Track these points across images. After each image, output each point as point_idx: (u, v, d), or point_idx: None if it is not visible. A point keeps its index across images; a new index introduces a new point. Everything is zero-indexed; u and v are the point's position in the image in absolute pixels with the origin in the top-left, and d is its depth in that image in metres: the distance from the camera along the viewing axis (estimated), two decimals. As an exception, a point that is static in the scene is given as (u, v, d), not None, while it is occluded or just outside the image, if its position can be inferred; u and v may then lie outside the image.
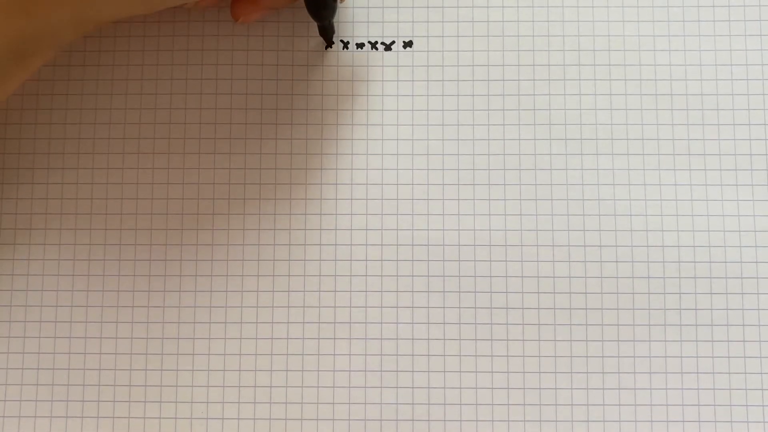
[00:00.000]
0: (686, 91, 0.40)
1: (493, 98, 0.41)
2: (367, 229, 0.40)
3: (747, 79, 0.40)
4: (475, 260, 0.39)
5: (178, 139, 0.40)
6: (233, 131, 0.41)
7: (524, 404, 0.39)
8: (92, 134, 0.41)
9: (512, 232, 0.40)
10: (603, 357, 0.39)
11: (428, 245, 0.40)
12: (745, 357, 0.39)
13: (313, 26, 0.41)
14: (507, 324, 0.39)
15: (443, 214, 0.40)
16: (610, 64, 0.41)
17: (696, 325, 0.39)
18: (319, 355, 0.39)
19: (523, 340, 0.39)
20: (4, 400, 0.39)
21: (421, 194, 0.40)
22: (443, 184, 0.40)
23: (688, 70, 0.41)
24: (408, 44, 0.41)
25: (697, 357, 0.39)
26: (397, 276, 0.39)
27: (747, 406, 0.38)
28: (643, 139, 0.40)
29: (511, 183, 0.40)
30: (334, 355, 0.39)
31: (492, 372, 0.39)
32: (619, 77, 0.41)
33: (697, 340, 0.39)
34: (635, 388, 0.39)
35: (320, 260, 0.40)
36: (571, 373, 0.39)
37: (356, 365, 0.39)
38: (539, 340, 0.39)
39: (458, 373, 0.39)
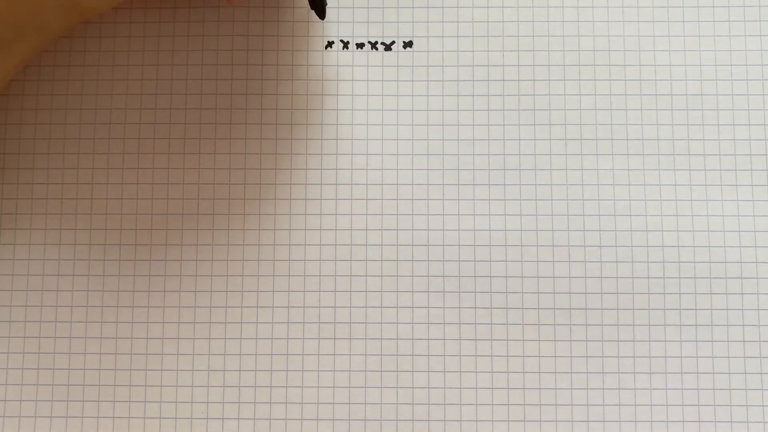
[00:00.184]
0: (686, 91, 0.40)
1: (493, 98, 0.41)
2: (367, 229, 0.40)
3: (747, 80, 0.40)
4: (475, 260, 0.39)
5: (178, 139, 0.40)
6: (233, 131, 0.41)
7: (524, 404, 0.39)
8: (92, 134, 0.41)
9: (512, 232, 0.40)
10: (603, 357, 0.39)
11: (428, 245, 0.40)
12: (744, 357, 0.39)
13: (314, 26, 0.41)
14: (507, 324, 0.39)
15: (443, 214, 0.40)
16: (610, 65, 0.41)
17: (696, 325, 0.39)
18: (319, 355, 0.39)
19: (523, 340, 0.39)
20: (4, 400, 0.39)
21: (421, 194, 0.40)
22: (443, 184, 0.40)
23: (687, 71, 0.41)
24: (408, 44, 0.41)
25: (696, 357, 0.39)
26: (397, 276, 0.39)
27: (747, 406, 0.38)
28: (642, 140, 0.40)
29: (511, 183, 0.40)
30: (334, 355, 0.39)
31: (492, 372, 0.39)
32: (619, 77, 0.41)
33: (696, 340, 0.39)
34: (635, 388, 0.39)
35: (320, 260, 0.40)
36: (571, 373, 0.39)
37: (356, 365, 0.39)
38: (539, 340, 0.39)
39: (458, 373, 0.39)
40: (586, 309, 0.39)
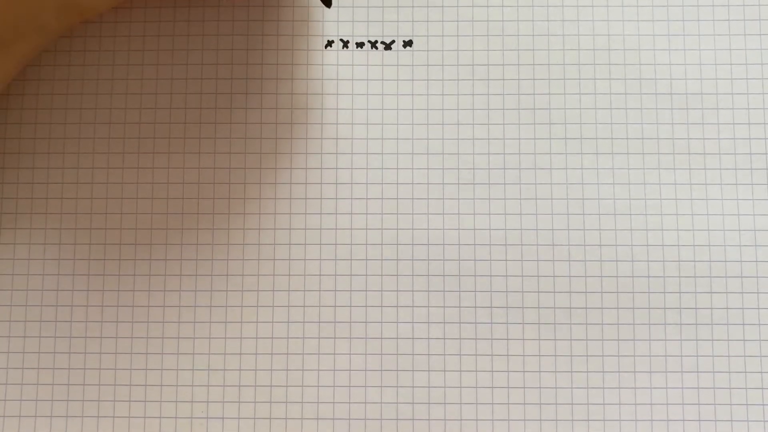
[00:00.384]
0: (686, 90, 0.40)
1: (493, 97, 0.41)
2: (367, 229, 0.40)
3: (746, 79, 0.41)
4: (475, 259, 0.39)
5: (178, 139, 0.40)
6: (233, 131, 0.41)
7: (524, 403, 0.39)
8: (92, 134, 0.41)
9: (512, 231, 0.40)
10: (603, 356, 0.39)
11: (428, 244, 0.40)
12: (745, 356, 0.39)
13: (314, 25, 0.41)
14: (507, 323, 0.39)
15: (443, 214, 0.40)
16: (609, 64, 0.41)
17: (696, 324, 0.39)
18: (319, 354, 0.39)
19: (523, 339, 0.39)
20: (4, 400, 0.39)
21: (421, 194, 0.40)
22: (443, 184, 0.40)
23: (687, 70, 0.41)
24: (408, 44, 0.41)
25: (697, 356, 0.39)
26: (397, 275, 0.39)
27: (747, 405, 0.38)
28: (642, 138, 0.40)
29: (511, 182, 0.40)
30: (334, 354, 0.39)
31: (492, 371, 0.39)
32: (619, 76, 0.41)
33: (697, 339, 0.39)
34: (635, 387, 0.39)
35: (320, 260, 0.40)
36: (571, 372, 0.39)
37: (356, 364, 0.39)
38: (539, 339, 0.39)
39: (458, 372, 0.39)
40: (586, 308, 0.39)
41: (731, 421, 0.38)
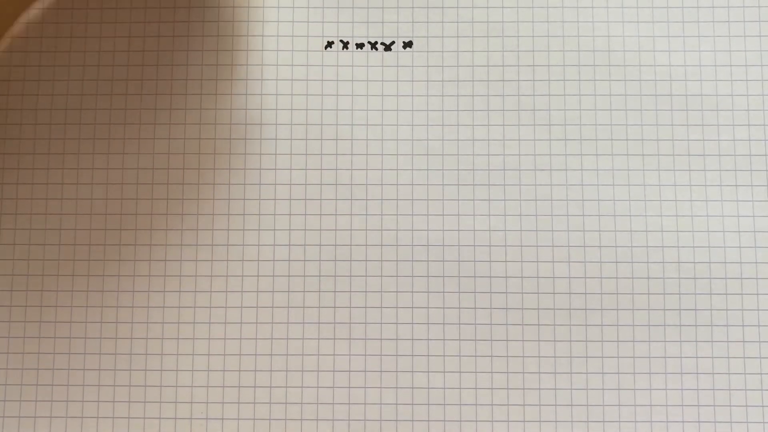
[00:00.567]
0: (686, 91, 0.40)
1: (492, 99, 0.41)
2: (366, 230, 0.40)
3: (746, 80, 0.40)
4: (474, 261, 0.39)
5: (178, 140, 0.40)
6: (233, 132, 0.41)
7: (524, 405, 0.39)
8: (92, 134, 0.41)
9: (512, 233, 0.40)
10: (602, 357, 0.39)
11: (428, 245, 0.40)
12: (744, 358, 0.39)
13: (313, 26, 0.41)
14: (506, 324, 0.39)
15: (443, 215, 0.40)
16: (609, 65, 0.41)
17: (695, 325, 0.39)
18: (318, 355, 0.39)
19: (523, 340, 0.39)
20: (4, 400, 0.39)
21: (421, 194, 0.40)
22: (443, 185, 0.40)
23: (687, 71, 0.41)
24: (408, 44, 0.41)
25: (696, 357, 0.39)
26: (396, 276, 0.39)
27: (746, 406, 0.38)
28: (642, 140, 0.40)
29: (510, 183, 0.40)
30: (333, 355, 0.39)
31: (491, 372, 0.39)
32: (619, 78, 0.41)
33: (696, 341, 0.39)
34: (635, 389, 0.39)
35: (320, 261, 0.40)
36: (571, 373, 0.39)
37: (356, 366, 0.39)
38: (539, 341, 0.39)
39: (458, 374, 0.39)
40: (585, 309, 0.39)
41: (731, 422, 0.38)
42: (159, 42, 0.41)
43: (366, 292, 0.39)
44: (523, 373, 0.39)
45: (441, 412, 0.39)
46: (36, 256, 0.40)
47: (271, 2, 0.41)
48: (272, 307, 0.39)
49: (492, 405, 0.39)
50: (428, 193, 0.40)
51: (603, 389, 0.39)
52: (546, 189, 0.40)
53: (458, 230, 0.40)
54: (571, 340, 0.39)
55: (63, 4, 0.42)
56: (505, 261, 0.39)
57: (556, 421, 0.38)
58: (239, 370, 0.39)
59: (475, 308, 0.39)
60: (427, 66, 0.41)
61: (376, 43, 0.41)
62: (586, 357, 0.39)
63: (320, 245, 0.40)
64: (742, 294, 0.39)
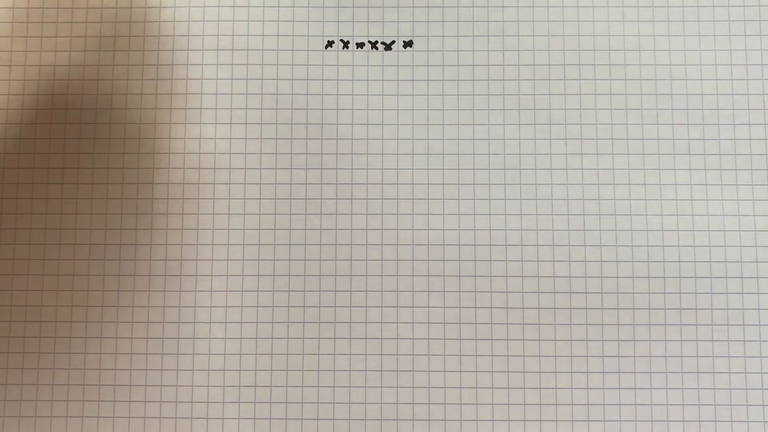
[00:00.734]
0: (686, 90, 0.40)
1: (493, 98, 0.41)
2: (367, 229, 0.40)
3: (747, 79, 0.41)
4: (475, 260, 0.39)
5: (178, 140, 0.40)
6: (234, 131, 0.41)
7: (524, 404, 0.39)
8: (93, 134, 0.41)
9: (512, 232, 0.40)
10: (603, 356, 0.39)
11: (428, 245, 0.40)
12: (745, 357, 0.39)
13: (314, 25, 0.41)
14: (507, 323, 0.39)
15: (443, 214, 0.40)
16: (610, 64, 0.41)
17: (696, 324, 0.39)
18: (319, 354, 0.39)
19: (524, 339, 0.39)
20: (4, 400, 0.39)
21: (421, 194, 0.40)
22: (443, 184, 0.40)
23: (688, 70, 0.41)
24: (408, 44, 0.41)
25: (697, 356, 0.39)
26: (397, 276, 0.39)
27: (747, 405, 0.38)
28: (643, 139, 0.40)
29: (511, 183, 0.40)
30: (334, 354, 0.39)
31: (492, 371, 0.39)
32: (619, 77, 0.41)
33: (697, 340, 0.39)
34: (635, 388, 0.39)
35: (320, 260, 0.40)
36: (572, 372, 0.39)
37: (356, 365, 0.39)
38: (539, 340, 0.39)
39: (458, 373, 0.39)
40: (586, 308, 0.39)
41: (731, 421, 0.38)
42: (159, 42, 0.41)
43: (366, 291, 0.39)
44: (524, 372, 0.39)
45: (441, 412, 0.39)
46: (36, 256, 0.40)
47: (272, 2, 0.41)
48: (272, 306, 0.39)
49: (493, 404, 0.39)
50: (429, 192, 0.40)
51: (604, 388, 0.39)
52: (546, 188, 0.40)
53: (459, 229, 0.40)
54: (571, 339, 0.39)
55: (63, 4, 0.42)
56: (506, 260, 0.39)
57: (556, 420, 0.38)
58: (240, 370, 0.39)
59: (475, 307, 0.39)
60: (428, 65, 0.41)
61: (376, 42, 0.41)
62: (587, 356, 0.39)
63: (320, 244, 0.40)
64: (742, 293, 0.39)
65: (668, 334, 0.39)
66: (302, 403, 0.39)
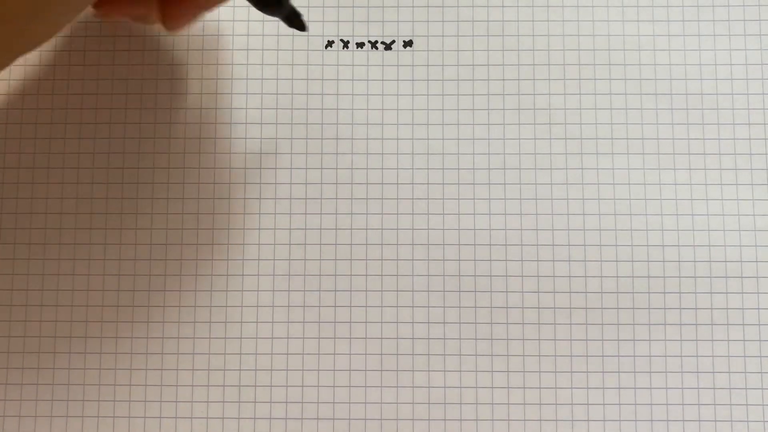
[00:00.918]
0: (686, 90, 0.40)
1: (493, 98, 0.41)
2: (367, 229, 0.40)
3: (747, 79, 0.41)
4: (475, 259, 0.39)
5: (178, 139, 0.40)
6: (234, 131, 0.41)
7: (524, 403, 0.39)
8: (93, 134, 0.41)
9: (512, 232, 0.40)
10: (603, 356, 0.39)
11: (428, 245, 0.40)
12: (745, 356, 0.39)
13: (314, 25, 0.41)
14: (507, 323, 0.39)
15: (443, 214, 0.40)
16: (610, 64, 0.41)
17: (696, 324, 0.39)
18: (319, 354, 0.39)
19: (523, 339, 0.39)
20: (4, 400, 0.39)
21: (421, 194, 0.40)
22: (443, 184, 0.40)
23: (687, 70, 0.41)
24: (408, 44, 0.41)
25: (697, 356, 0.39)
26: (397, 275, 0.39)
27: (747, 405, 0.38)
28: (643, 139, 0.40)
29: (511, 182, 0.40)
30: (334, 354, 0.39)
31: (492, 371, 0.39)
32: (619, 77, 0.41)
33: (697, 340, 0.39)
34: (635, 388, 0.39)
35: (320, 260, 0.40)
36: (571, 372, 0.39)
37: (356, 365, 0.39)
38: (539, 340, 0.39)
39: (458, 373, 0.39)
40: (586, 308, 0.39)
41: (731, 421, 0.38)
42: (160, 41, 0.41)
43: (366, 291, 0.39)
44: (524, 371, 0.39)
45: (441, 411, 0.39)
46: (36, 256, 0.40)
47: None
48: (273, 306, 0.39)
49: (492, 404, 0.39)
50: (428, 192, 0.40)
51: (603, 388, 0.39)
52: (546, 188, 0.40)
53: (458, 229, 0.40)
54: (571, 339, 0.39)
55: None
56: (506, 260, 0.39)
57: (556, 420, 0.38)
58: (240, 370, 0.39)
59: (475, 307, 0.39)
60: (428, 65, 0.41)
61: (376, 42, 0.41)
62: (587, 356, 0.39)
63: (320, 244, 0.40)
64: (742, 293, 0.39)
65: (668, 333, 0.39)
66: (302, 402, 0.39)
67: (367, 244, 0.40)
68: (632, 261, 0.39)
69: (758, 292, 0.39)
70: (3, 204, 0.40)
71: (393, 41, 0.41)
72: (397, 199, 0.40)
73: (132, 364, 0.39)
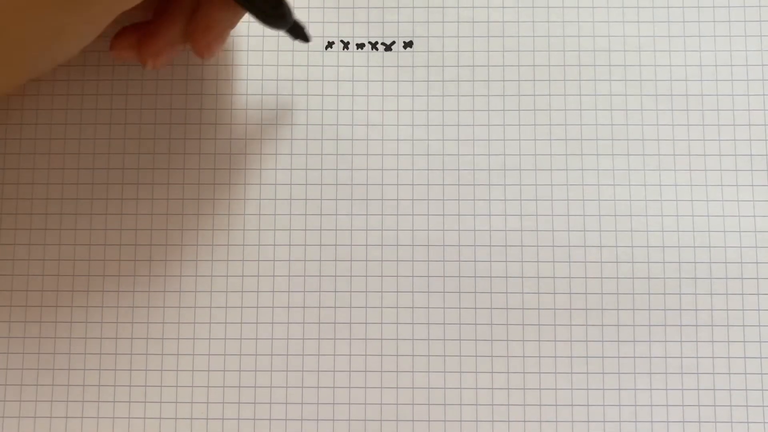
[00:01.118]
0: (686, 91, 0.40)
1: (493, 99, 0.41)
2: (367, 230, 0.40)
3: (747, 80, 0.40)
4: (475, 261, 0.39)
5: (178, 140, 0.40)
6: (234, 131, 0.41)
7: (524, 405, 0.39)
8: (93, 134, 0.41)
9: (512, 233, 0.40)
10: (603, 357, 0.39)
11: (428, 245, 0.40)
12: (745, 358, 0.39)
13: (314, 26, 0.41)
14: (507, 324, 0.39)
15: (443, 215, 0.40)
16: (610, 65, 0.41)
17: (696, 325, 0.39)
18: (319, 355, 0.39)
19: (523, 340, 0.39)
20: (4, 400, 0.39)
21: (421, 194, 0.40)
22: (443, 185, 0.40)
23: (688, 71, 0.41)
24: (408, 44, 0.41)
25: (697, 358, 0.39)
26: (397, 276, 0.39)
27: (747, 406, 0.38)
28: (643, 140, 0.40)
29: (511, 183, 0.40)
30: (334, 355, 0.39)
31: (492, 372, 0.39)
32: (619, 78, 0.41)
33: (697, 341, 0.39)
34: (635, 389, 0.39)
35: (320, 261, 0.40)
36: (571, 373, 0.39)
37: (356, 366, 0.39)
38: (539, 341, 0.39)
39: (458, 374, 0.39)
40: (586, 309, 0.39)
41: (731, 422, 0.38)
42: (159, 42, 0.41)
43: (366, 292, 0.39)
44: (524, 373, 0.39)
45: (441, 412, 0.39)
46: (36, 256, 0.40)
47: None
48: (272, 307, 0.39)
49: (492, 405, 0.39)
50: (428, 193, 0.40)
51: (603, 389, 0.39)
52: (546, 189, 0.40)
53: (458, 230, 0.40)
54: (571, 340, 0.39)
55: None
56: (506, 261, 0.39)
57: (556, 421, 0.38)
58: (239, 370, 0.39)
59: (475, 308, 0.39)
60: (428, 66, 0.41)
61: (376, 43, 0.41)
62: (587, 357, 0.39)
63: (320, 245, 0.40)
64: (742, 294, 0.39)
65: (668, 334, 0.39)
66: (302, 403, 0.39)
67: (367, 245, 0.40)
68: (632, 262, 0.39)
69: (758, 294, 0.39)
70: (3, 204, 0.40)
71: (393, 42, 0.41)
72: (397, 200, 0.40)
73: (132, 365, 0.39)
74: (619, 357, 0.39)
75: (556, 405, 0.39)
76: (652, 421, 0.38)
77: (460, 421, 0.39)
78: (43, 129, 0.41)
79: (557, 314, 0.39)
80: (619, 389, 0.39)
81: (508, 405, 0.39)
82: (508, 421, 0.38)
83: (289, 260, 0.40)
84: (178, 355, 0.39)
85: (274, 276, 0.39)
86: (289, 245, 0.40)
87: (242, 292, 0.39)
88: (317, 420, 0.39)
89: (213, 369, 0.39)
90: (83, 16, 0.34)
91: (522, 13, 0.41)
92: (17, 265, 0.40)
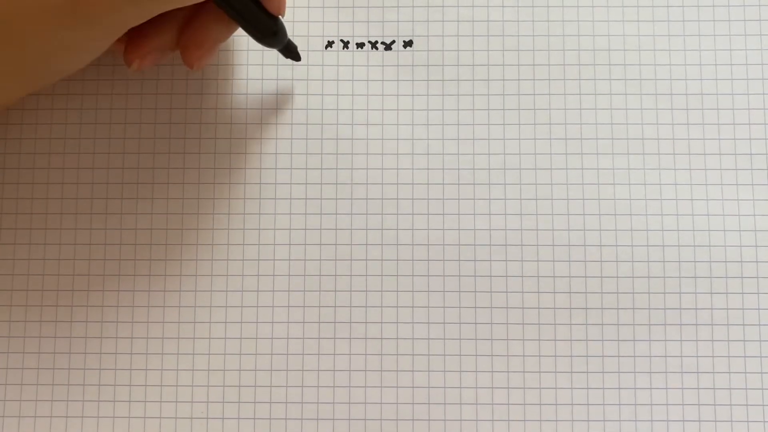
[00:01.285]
0: (686, 90, 0.40)
1: (493, 98, 0.41)
2: (367, 229, 0.40)
3: (747, 79, 0.41)
4: (475, 260, 0.39)
5: (178, 139, 0.40)
6: (234, 131, 0.41)
7: (524, 404, 0.39)
8: (93, 134, 0.41)
9: (512, 232, 0.40)
10: (603, 356, 0.39)
11: (428, 245, 0.40)
12: (745, 356, 0.39)
13: (314, 26, 0.41)
14: (507, 323, 0.39)
15: (443, 214, 0.40)
16: (610, 64, 0.41)
17: (696, 324, 0.39)
18: (319, 354, 0.39)
19: (523, 339, 0.39)
20: (4, 400, 0.39)
21: (421, 194, 0.40)
22: (443, 184, 0.40)
23: (688, 70, 0.41)
24: (408, 44, 0.41)
25: (697, 356, 0.39)
26: (397, 275, 0.39)
27: (747, 405, 0.38)
28: (643, 139, 0.40)
29: (511, 182, 0.40)
30: (334, 354, 0.39)
31: (492, 371, 0.39)
32: (619, 77, 0.41)
33: (697, 340, 0.39)
34: (635, 388, 0.39)
35: (320, 260, 0.40)
36: (571, 372, 0.39)
37: (356, 365, 0.39)
38: (539, 340, 0.39)
39: (458, 373, 0.39)
40: (586, 308, 0.39)
41: (731, 421, 0.38)
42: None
43: (366, 291, 0.39)
44: (524, 372, 0.39)
45: (441, 412, 0.39)
46: (36, 256, 0.40)
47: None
48: (272, 306, 0.39)
49: (492, 404, 0.39)
50: (428, 192, 0.40)
51: (603, 388, 0.39)
52: (546, 188, 0.40)
53: (458, 229, 0.40)
54: (571, 339, 0.39)
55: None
56: (506, 260, 0.39)
57: (556, 420, 0.38)
58: (239, 370, 0.39)
59: (475, 307, 0.39)
60: (428, 65, 0.41)
61: (376, 42, 0.41)
62: (587, 356, 0.39)
63: (320, 244, 0.40)
64: (742, 293, 0.39)
65: (668, 333, 0.39)
66: (302, 403, 0.39)
67: (367, 245, 0.40)
68: (632, 261, 0.39)
69: (758, 293, 0.39)
70: (3, 204, 0.40)
71: (393, 41, 0.41)
72: (397, 199, 0.40)
73: (132, 364, 0.39)
74: (619, 356, 0.39)
75: (556, 404, 0.39)
76: (652, 420, 0.38)
77: (460, 420, 0.39)
78: (43, 129, 0.41)
79: (557, 313, 0.39)
80: (619, 388, 0.39)
81: (508, 404, 0.39)
82: (508, 420, 0.38)
83: (289, 259, 0.40)
84: (178, 354, 0.39)
85: (274, 275, 0.39)
86: (289, 244, 0.40)
87: (242, 291, 0.39)
88: (317, 419, 0.39)
89: (213, 368, 0.39)
90: (89, 34, 0.34)
91: (522, 12, 0.41)
92: (17, 265, 0.40)
